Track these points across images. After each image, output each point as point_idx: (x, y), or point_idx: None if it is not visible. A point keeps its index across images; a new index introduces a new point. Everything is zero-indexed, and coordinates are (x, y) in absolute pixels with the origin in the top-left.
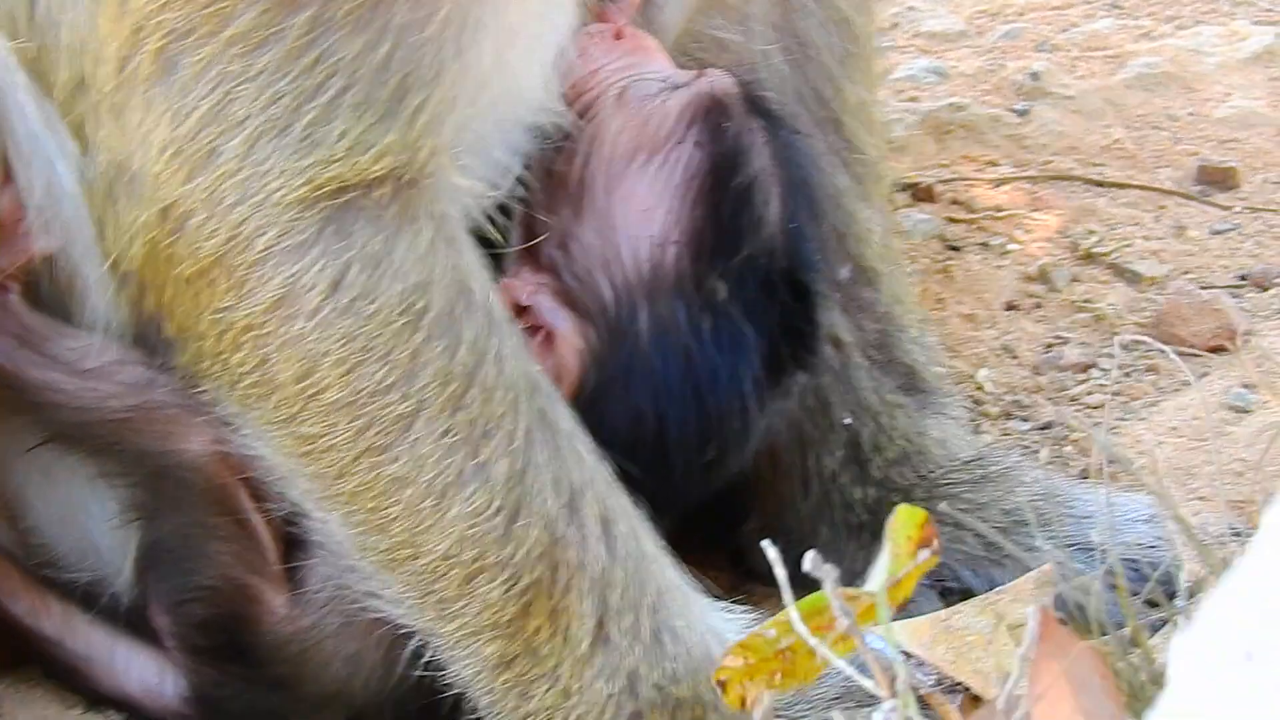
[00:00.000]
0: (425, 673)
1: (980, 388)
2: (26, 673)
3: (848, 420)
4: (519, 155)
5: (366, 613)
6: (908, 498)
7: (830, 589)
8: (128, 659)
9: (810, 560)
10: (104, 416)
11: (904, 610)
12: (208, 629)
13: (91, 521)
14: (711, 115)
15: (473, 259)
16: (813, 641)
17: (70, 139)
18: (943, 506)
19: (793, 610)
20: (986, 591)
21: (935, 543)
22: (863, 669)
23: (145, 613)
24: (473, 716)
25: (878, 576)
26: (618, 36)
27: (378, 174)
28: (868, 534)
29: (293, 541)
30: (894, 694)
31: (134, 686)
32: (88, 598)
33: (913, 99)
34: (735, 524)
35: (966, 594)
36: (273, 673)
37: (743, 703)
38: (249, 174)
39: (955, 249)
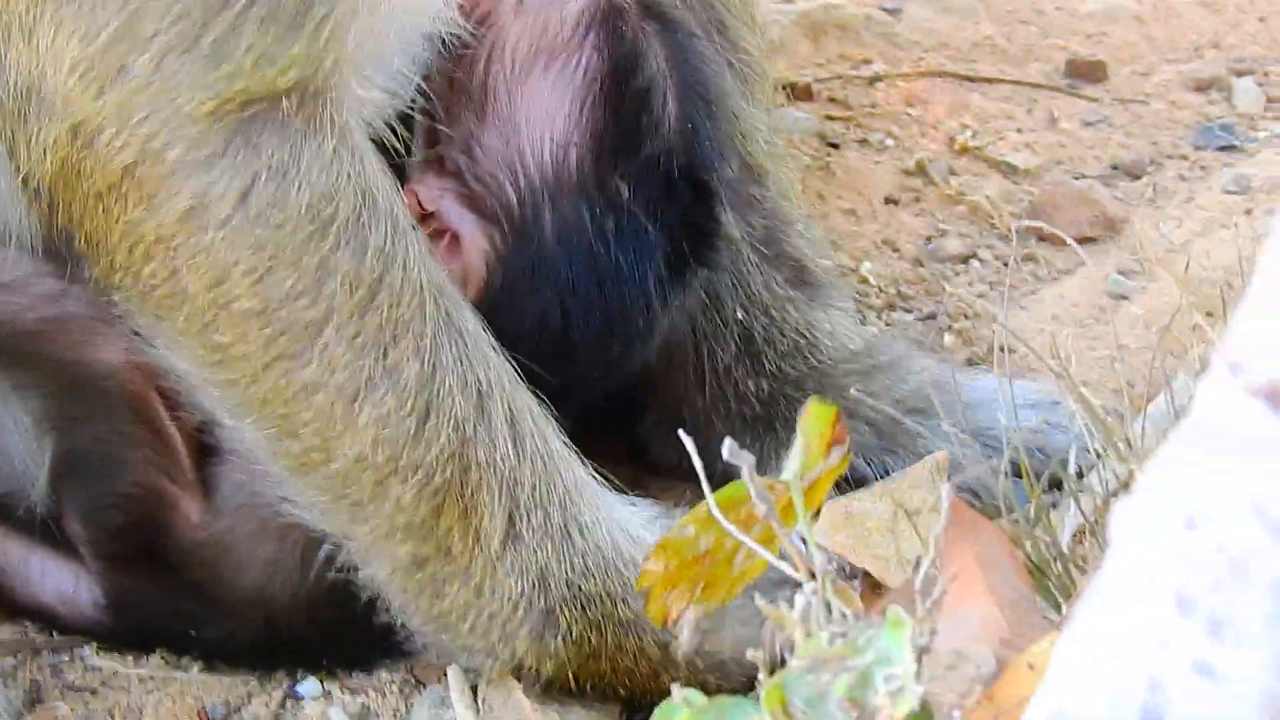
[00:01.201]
0: (339, 575)
1: (864, 280)
2: None
3: (740, 315)
4: (418, 64)
5: (281, 517)
6: (800, 389)
7: (747, 475)
8: (43, 569)
9: (728, 448)
10: (18, 329)
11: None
12: (124, 536)
13: (4, 433)
14: (608, 20)
15: (376, 167)
16: (734, 531)
17: None
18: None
19: (711, 501)
20: (880, 480)
21: (847, 441)
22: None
23: (60, 524)
24: (387, 617)
25: (791, 467)
26: None
27: (284, 86)
28: (762, 426)
29: (206, 448)
30: (813, 578)
31: (50, 596)
32: (1, 510)
33: (788, 0)
34: (633, 418)
35: (860, 483)
36: (189, 578)
37: (665, 619)
38: (157, 89)
39: (834, 146)
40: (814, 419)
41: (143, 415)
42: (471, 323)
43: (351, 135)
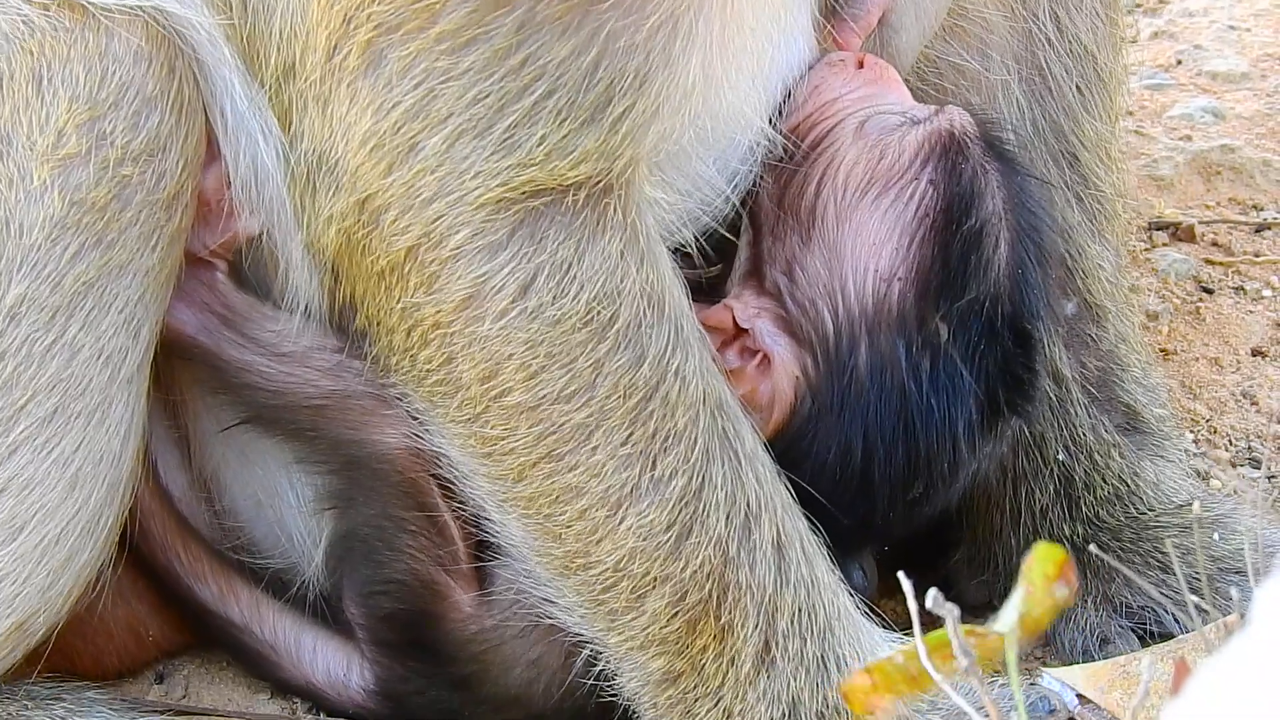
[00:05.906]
0: (599, 682)
1: (1215, 432)
2: (215, 655)
3: (1061, 457)
4: (733, 176)
5: (546, 619)
6: (1116, 538)
7: (951, 628)
8: (314, 648)
9: (932, 598)
10: (300, 401)
11: (1049, 647)
12: (395, 623)
13: (285, 507)
14: (949, 154)
15: (666, 273)
16: (936, 676)
17: (275, 123)
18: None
19: (920, 643)
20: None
21: (1074, 580)
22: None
23: (336, 602)
24: None
25: (1008, 616)
26: (860, 65)
27: (574, 180)
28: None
29: (481, 541)
30: None
31: (319, 676)
32: (278, 584)
33: (1185, 138)
34: (944, 552)
35: (1167, 638)
36: (456, 672)
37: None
38: (447, 171)
39: (1208, 291)
40: (1039, 561)
41: (419, 502)
42: (749, 442)
43: (642, 237)
